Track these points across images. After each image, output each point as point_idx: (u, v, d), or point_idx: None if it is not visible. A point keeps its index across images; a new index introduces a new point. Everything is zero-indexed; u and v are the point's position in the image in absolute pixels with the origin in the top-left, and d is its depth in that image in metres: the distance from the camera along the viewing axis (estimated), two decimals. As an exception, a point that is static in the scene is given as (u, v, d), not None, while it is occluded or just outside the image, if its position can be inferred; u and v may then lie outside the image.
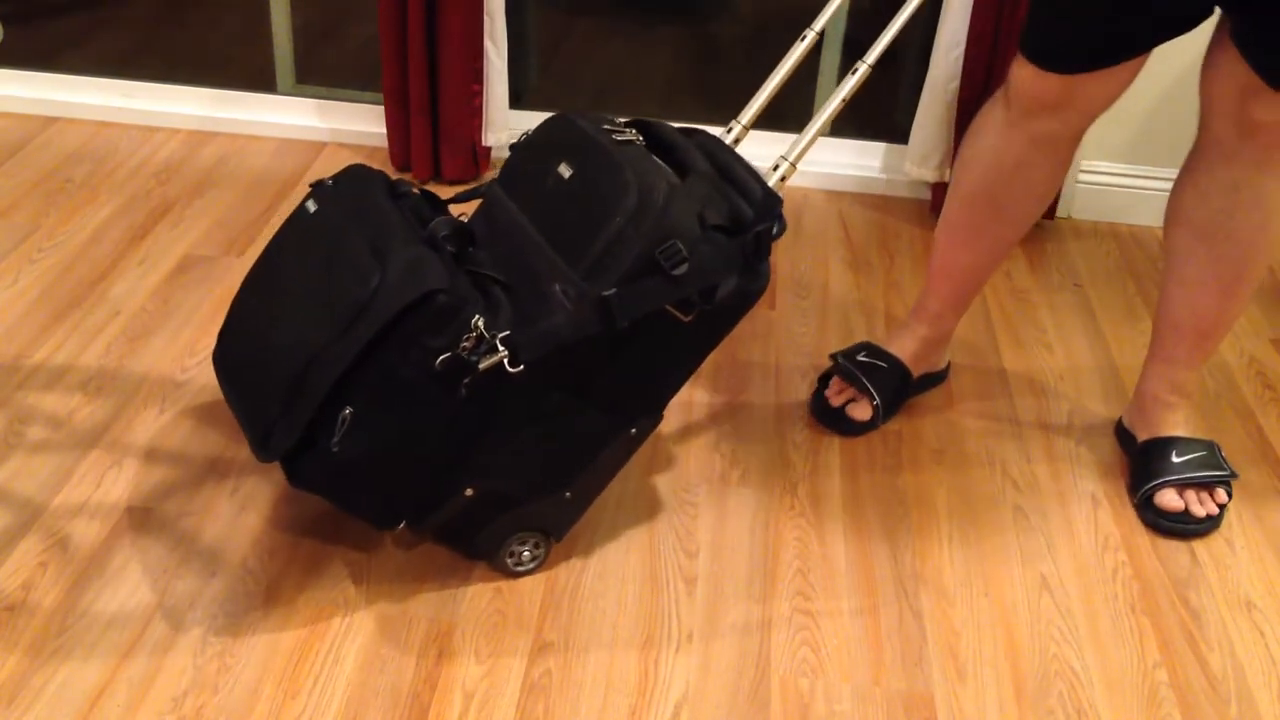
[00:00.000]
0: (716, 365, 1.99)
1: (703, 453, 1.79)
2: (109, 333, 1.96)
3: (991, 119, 1.69)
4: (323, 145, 2.60)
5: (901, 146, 2.52)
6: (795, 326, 2.11)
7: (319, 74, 2.70)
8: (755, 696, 1.42)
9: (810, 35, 1.46)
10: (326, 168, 2.51)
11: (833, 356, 1.89)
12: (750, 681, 1.44)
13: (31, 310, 2.01)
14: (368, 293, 1.31)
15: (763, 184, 1.42)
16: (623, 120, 1.49)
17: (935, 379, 1.95)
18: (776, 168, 1.46)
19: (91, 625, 1.45)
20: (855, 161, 2.59)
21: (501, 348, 1.31)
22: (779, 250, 2.33)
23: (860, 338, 2.08)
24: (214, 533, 1.58)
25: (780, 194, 1.42)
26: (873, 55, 1.46)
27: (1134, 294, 2.27)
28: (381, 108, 2.51)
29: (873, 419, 1.83)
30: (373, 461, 1.37)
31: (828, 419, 1.85)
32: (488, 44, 2.40)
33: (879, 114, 2.80)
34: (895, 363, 1.86)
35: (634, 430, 1.48)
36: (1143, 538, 1.69)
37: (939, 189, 2.44)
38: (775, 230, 1.40)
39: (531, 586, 1.54)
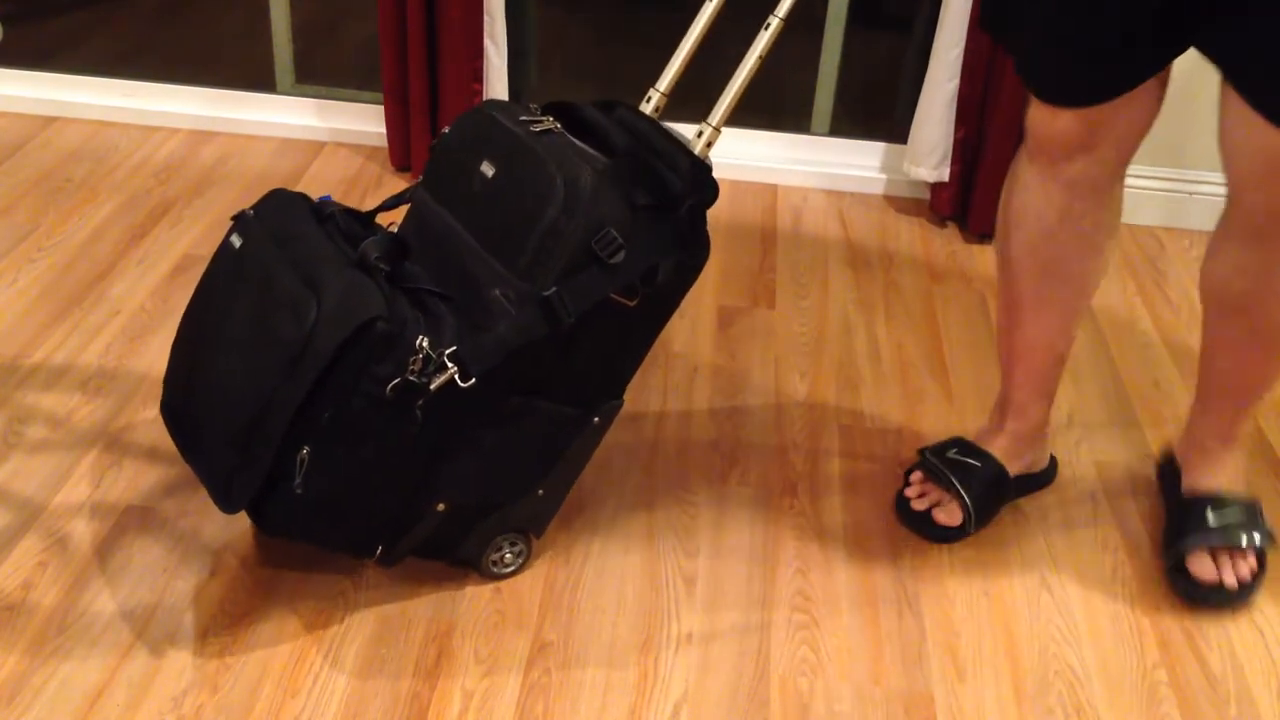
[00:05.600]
0: (716, 365, 1.99)
1: (703, 453, 1.79)
2: (108, 332, 1.96)
3: (1022, 177, 1.55)
4: (322, 145, 2.60)
5: (901, 146, 2.52)
6: (795, 326, 2.11)
7: (319, 73, 2.70)
8: (755, 696, 1.42)
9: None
10: (326, 167, 2.51)
11: (920, 451, 1.72)
12: (750, 681, 1.44)
13: (31, 310, 2.01)
14: (306, 329, 1.28)
15: (689, 153, 1.39)
16: (539, 106, 1.46)
17: (1039, 480, 1.76)
18: (700, 134, 1.41)
19: (91, 624, 1.45)
20: (855, 161, 2.59)
21: (450, 364, 1.30)
22: (779, 251, 2.33)
23: (860, 337, 2.08)
24: (213, 532, 1.58)
25: (707, 161, 1.39)
26: (783, 9, 1.39)
27: (1134, 294, 2.27)
28: (381, 107, 2.51)
29: (963, 524, 1.64)
30: (339, 496, 1.36)
31: (913, 523, 1.67)
32: (487, 43, 2.40)
33: (878, 114, 2.80)
34: (989, 461, 1.67)
35: (597, 419, 1.47)
36: (1143, 537, 1.69)
37: (938, 188, 2.44)
38: (708, 196, 1.37)
39: (531, 586, 1.54)
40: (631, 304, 1.37)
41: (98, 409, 1.79)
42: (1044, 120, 1.47)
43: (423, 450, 1.37)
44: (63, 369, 1.87)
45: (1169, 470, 1.72)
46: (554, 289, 1.31)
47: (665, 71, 1.51)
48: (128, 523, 1.59)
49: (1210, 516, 1.60)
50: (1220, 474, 1.64)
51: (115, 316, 2.00)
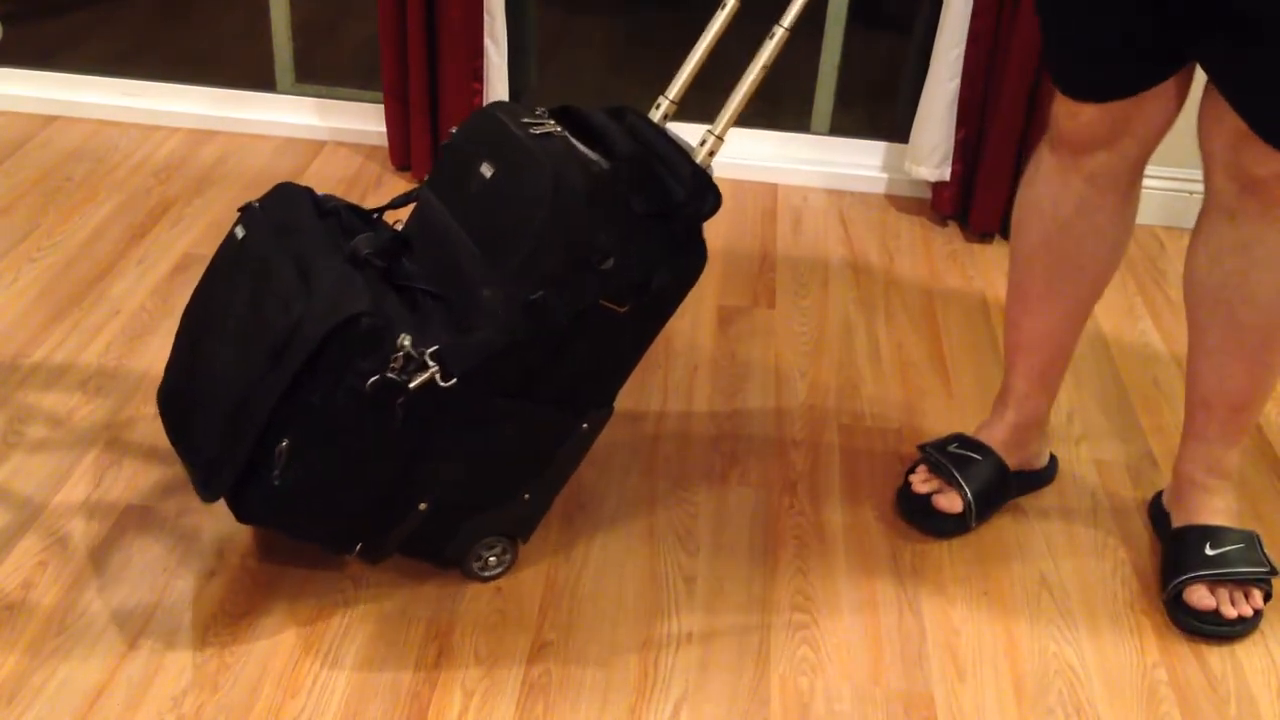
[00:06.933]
0: (716, 365, 1.99)
1: (703, 453, 1.79)
2: (108, 332, 1.96)
3: (1042, 167, 1.56)
4: (322, 144, 2.60)
5: (902, 146, 2.52)
6: (795, 326, 2.11)
7: (319, 73, 2.70)
8: (755, 695, 1.42)
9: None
10: (326, 166, 2.51)
11: (921, 447, 1.73)
12: (750, 680, 1.44)
13: (31, 309, 2.01)
14: (292, 321, 1.29)
15: (690, 162, 1.38)
16: (544, 109, 1.46)
17: (1038, 478, 1.76)
18: (703, 143, 1.40)
19: (91, 624, 1.45)
20: (855, 161, 2.59)
21: (431, 363, 1.29)
22: (780, 249, 2.33)
23: (860, 337, 2.08)
24: (213, 532, 1.58)
25: (709, 169, 1.39)
26: (789, 18, 1.38)
27: (1134, 293, 2.27)
28: (381, 106, 2.51)
29: (964, 515, 1.65)
30: (316, 490, 1.36)
31: (914, 513, 1.67)
32: (487, 42, 2.40)
33: (879, 113, 2.80)
34: (990, 454, 1.68)
35: (585, 425, 1.46)
36: (1142, 535, 1.69)
37: (939, 188, 2.44)
38: (708, 207, 1.36)
39: (531, 586, 1.54)
40: (622, 310, 1.37)
41: (98, 409, 1.79)
42: (1067, 113, 1.49)
43: (404, 449, 1.36)
44: (63, 369, 1.87)
45: (1159, 512, 1.69)
46: (541, 293, 1.31)
47: (674, 80, 1.51)
48: (127, 522, 1.59)
49: (1209, 548, 1.57)
50: (1212, 511, 1.60)
51: (115, 316, 2.00)
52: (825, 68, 2.54)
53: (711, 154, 1.40)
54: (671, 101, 1.50)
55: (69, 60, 2.84)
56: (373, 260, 1.35)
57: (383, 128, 2.54)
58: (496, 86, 2.44)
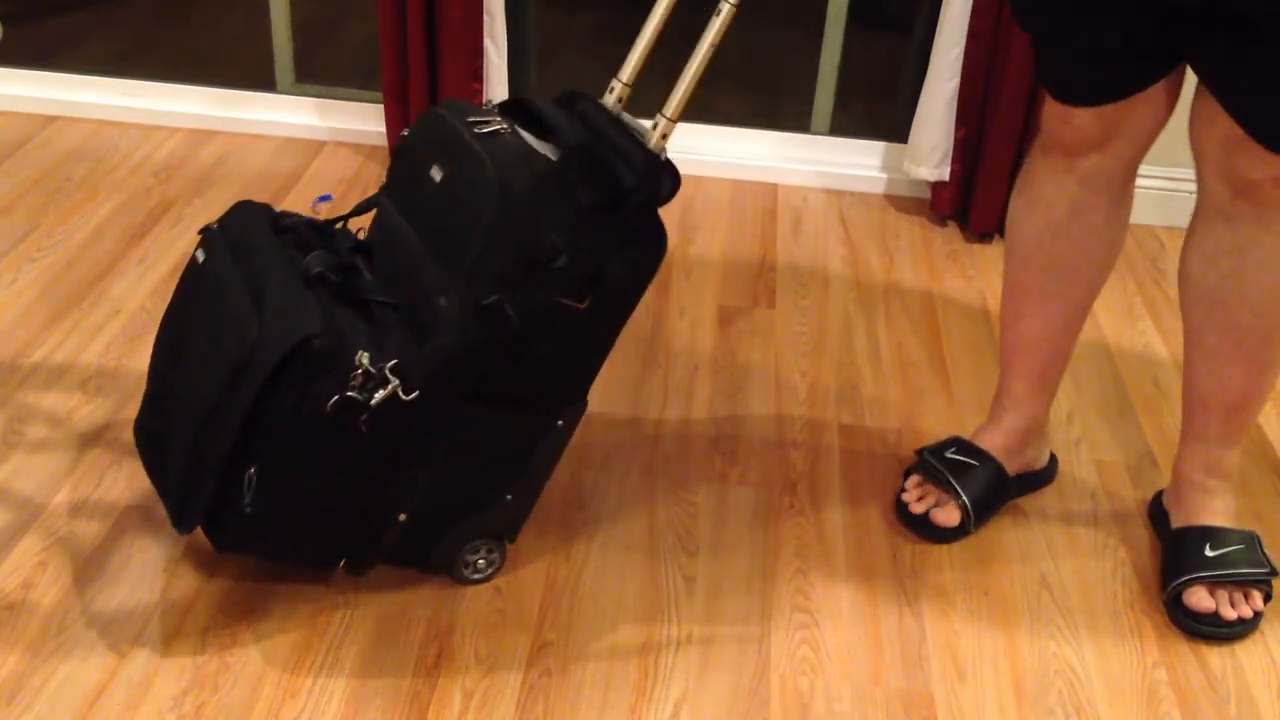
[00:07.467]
0: (716, 365, 1.99)
1: (703, 452, 1.79)
2: (108, 332, 1.96)
3: (1036, 169, 1.56)
4: (322, 144, 2.60)
5: (901, 146, 2.52)
6: (795, 326, 2.11)
7: (319, 73, 2.70)
8: (755, 695, 1.42)
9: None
10: (326, 166, 2.51)
11: (918, 453, 1.71)
12: (750, 680, 1.44)
13: (31, 309, 2.01)
14: (247, 347, 1.28)
15: (642, 146, 1.35)
16: (494, 104, 1.43)
17: (1038, 479, 1.75)
18: (655, 126, 1.36)
19: (91, 624, 1.45)
20: (855, 161, 2.59)
21: (391, 378, 1.28)
22: (780, 249, 2.33)
23: (860, 338, 2.08)
24: (214, 532, 1.58)
25: (662, 153, 1.35)
26: None
27: (1134, 293, 2.27)
28: (381, 106, 2.51)
29: (962, 524, 1.65)
30: (290, 513, 1.36)
31: (912, 525, 1.67)
32: (487, 42, 2.40)
33: (878, 113, 2.80)
34: (988, 460, 1.67)
35: (560, 422, 1.44)
36: (1142, 535, 1.69)
37: (939, 188, 2.44)
38: (666, 190, 1.34)
39: (531, 586, 1.54)
40: (582, 306, 1.35)
41: (98, 409, 1.79)
42: (1059, 117, 1.49)
43: (373, 465, 1.35)
44: (63, 369, 1.87)
45: (1159, 512, 1.69)
46: (494, 297, 1.30)
47: (627, 61, 1.45)
48: (127, 523, 1.59)
49: (1209, 550, 1.56)
50: (1212, 511, 1.60)
51: (115, 316, 2.00)
52: (825, 67, 2.54)
53: (665, 137, 1.36)
54: (625, 84, 1.45)
55: (69, 60, 2.84)
56: (326, 276, 1.34)
57: (383, 128, 2.54)
58: (496, 87, 2.44)
